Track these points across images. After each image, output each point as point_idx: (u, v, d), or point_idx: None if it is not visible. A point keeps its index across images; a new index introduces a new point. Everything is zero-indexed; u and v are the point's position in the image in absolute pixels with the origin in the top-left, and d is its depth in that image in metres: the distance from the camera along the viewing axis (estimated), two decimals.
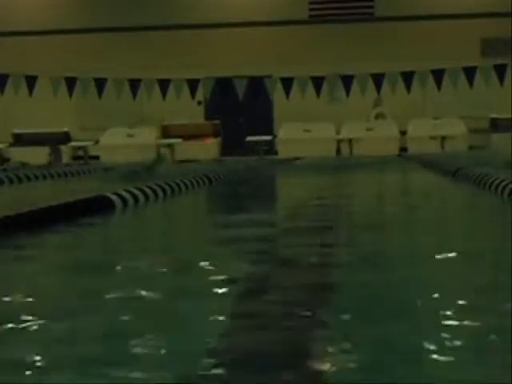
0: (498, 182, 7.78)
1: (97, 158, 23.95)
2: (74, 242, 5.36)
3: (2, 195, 9.71)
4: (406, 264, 4.08)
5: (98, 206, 6.54)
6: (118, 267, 4.11)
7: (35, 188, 11.87)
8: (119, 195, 6.82)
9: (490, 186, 7.99)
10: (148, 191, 7.41)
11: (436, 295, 3.16)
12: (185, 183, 9.01)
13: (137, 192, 7.15)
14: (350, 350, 2.35)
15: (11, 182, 12.78)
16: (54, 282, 3.90)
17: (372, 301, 3.07)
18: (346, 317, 2.78)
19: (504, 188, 7.33)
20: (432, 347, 2.37)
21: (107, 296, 3.31)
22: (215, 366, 2.26)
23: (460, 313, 2.88)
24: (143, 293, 3.35)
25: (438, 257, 4.09)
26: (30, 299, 3.35)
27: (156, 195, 7.62)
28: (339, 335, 2.52)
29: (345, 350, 2.35)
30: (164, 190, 7.89)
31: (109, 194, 6.77)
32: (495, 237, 5.12)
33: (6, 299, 3.32)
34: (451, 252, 4.21)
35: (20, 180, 13.05)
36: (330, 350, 2.36)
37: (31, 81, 21.71)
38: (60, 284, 3.85)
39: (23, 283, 3.81)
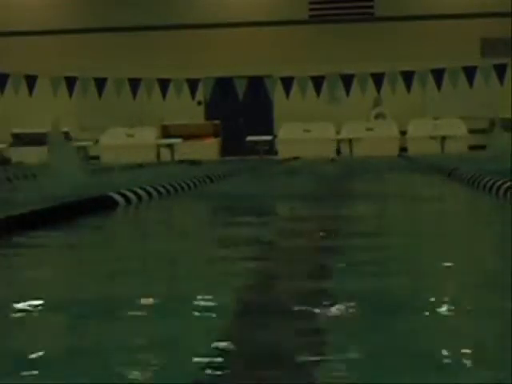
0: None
1: (97, 158, 23.96)
2: (78, 241, 5.36)
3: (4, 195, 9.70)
4: None
5: (102, 206, 6.54)
6: (120, 267, 4.11)
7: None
8: (123, 195, 6.82)
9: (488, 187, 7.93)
10: (152, 191, 7.41)
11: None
12: (187, 183, 9.00)
13: (140, 192, 7.15)
14: None
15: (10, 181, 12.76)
16: (55, 283, 3.90)
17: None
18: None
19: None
20: None
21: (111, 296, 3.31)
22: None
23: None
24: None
25: None
26: (31, 300, 3.35)
27: (160, 194, 7.62)
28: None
29: None
30: (168, 190, 7.89)
31: (112, 194, 6.78)
32: None
33: (8, 298, 3.32)
34: None
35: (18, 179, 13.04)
36: None
37: (31, 81, 21.69)
38: (63, 283, 3.85)
39: (25, 283, 3.80)
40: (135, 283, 3.60)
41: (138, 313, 2.96)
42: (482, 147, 23.68)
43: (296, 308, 2.93)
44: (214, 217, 7.02)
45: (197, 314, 2.92)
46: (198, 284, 3.56)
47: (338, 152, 23.90)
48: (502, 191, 7.16)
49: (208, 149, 24.09)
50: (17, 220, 5.55)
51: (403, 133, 24.01)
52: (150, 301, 3.14)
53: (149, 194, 7.56)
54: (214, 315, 2.89)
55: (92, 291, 3.45)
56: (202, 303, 3.07)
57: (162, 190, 8.01)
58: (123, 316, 2.92)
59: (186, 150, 23.02)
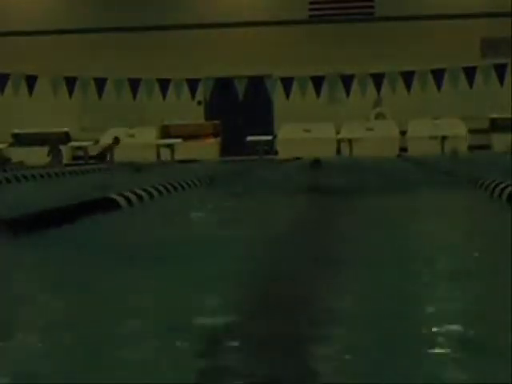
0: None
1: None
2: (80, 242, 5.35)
3: (5, 196, 9.70)
4: None
5: (103, 207, 6.54)
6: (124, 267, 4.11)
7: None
8: (124, 196, 6.83)
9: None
10: (153, 191, 7.42)
11: None
12: (187, 183, 9.02)
13: (141, 193, 7.16)
14: None
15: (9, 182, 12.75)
16: (58, 283, 3.90)
17: None
18: None
19: None
20: None
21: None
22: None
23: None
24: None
25: None
26: (35, 299, 3.36)
27: (160, 194, 7.63)
28: None
29: None
30: (168, 190, 7.90)
31: (114, 196, 6.78)
32: None
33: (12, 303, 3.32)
34: None
35: (18, 180, 13.02)
36: None
37: (31, 81, 21.71)
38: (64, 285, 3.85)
39: (27, 284, 3.81)
40: None
41: None
42: (482, 147, 23.71)
43: None
44: None
45: None
46: None
47: (338, 152, 23.91)
48: None
49: (208, 149, 24.10)
50: (21, 221, 5.55)
51: (403, 133, 24.01)
52: None
53: None
54: None
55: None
56: None
57: None
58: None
59: (186, 149, 23.03)
